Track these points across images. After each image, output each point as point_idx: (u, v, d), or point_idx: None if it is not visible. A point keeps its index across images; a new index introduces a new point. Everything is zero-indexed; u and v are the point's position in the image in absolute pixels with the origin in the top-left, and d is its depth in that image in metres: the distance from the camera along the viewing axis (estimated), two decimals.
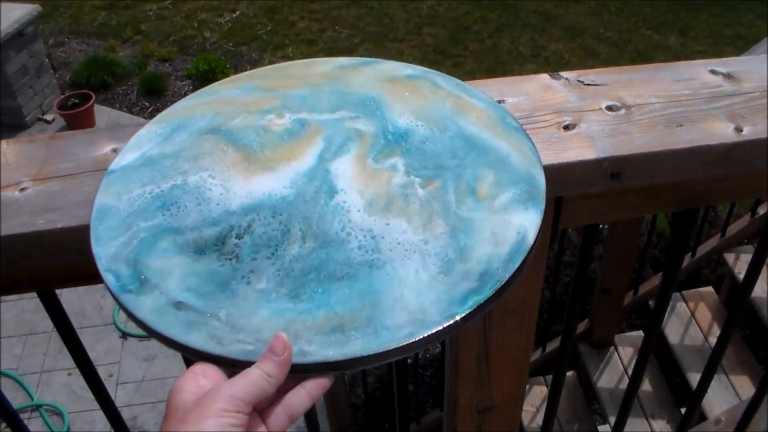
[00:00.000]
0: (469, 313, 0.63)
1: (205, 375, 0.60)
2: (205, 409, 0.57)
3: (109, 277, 0.66)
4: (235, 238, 0.67)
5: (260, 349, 0.60)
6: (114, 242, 0.69)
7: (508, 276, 0.65)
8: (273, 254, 0.66)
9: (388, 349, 0.60)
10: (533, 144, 0.77)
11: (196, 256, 0.67)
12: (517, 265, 0.66)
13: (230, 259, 0.66)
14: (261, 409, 0.62)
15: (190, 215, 0.69)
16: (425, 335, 0.61)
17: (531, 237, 0.68)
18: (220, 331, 0.62)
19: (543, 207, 0.70)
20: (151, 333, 0.64)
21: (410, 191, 0.70)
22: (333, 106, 0.80)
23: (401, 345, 0.61)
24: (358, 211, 0.68)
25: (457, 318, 0.62)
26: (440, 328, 0.62)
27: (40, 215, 0.74)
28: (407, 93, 0.82)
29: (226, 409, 0.57)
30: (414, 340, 0.61)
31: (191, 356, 0.63)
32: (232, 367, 0.61)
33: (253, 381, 0.59)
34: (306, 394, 0.62)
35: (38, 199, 0.76)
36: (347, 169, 0.71)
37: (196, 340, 0.62)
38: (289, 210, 0.68)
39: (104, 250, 0.68)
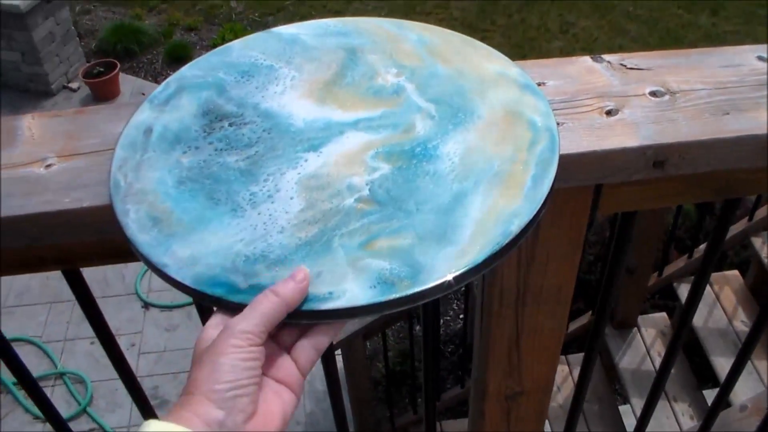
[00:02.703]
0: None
1: (223, 322, 0.61)
2: (216, 348, 0.58)
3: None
4: (228, 124, 0.74)
5: None
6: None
7: None
8: (225, 149, 0.71)
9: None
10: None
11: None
12: None
13: (205, 133, 0.73)
14: (286, 345, 0.63)
15: (242, 90, 0.77)
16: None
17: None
18: None
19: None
20: None
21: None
22: (435, 98, 0.75)
23: None
24: (291, 198, 0.67)
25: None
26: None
27: (66, 193, 0.73)
28: (500, 133, 0.72)
29: (238, 345, 0.57)
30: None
31: None
32: None
33: (262, 310, 0.59)
34: (329, 328, 0.63)
35: (63, 176, 0.75)
36: (337, 150, 0.71)
37: None
38: (279, 138, 0.72)
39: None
